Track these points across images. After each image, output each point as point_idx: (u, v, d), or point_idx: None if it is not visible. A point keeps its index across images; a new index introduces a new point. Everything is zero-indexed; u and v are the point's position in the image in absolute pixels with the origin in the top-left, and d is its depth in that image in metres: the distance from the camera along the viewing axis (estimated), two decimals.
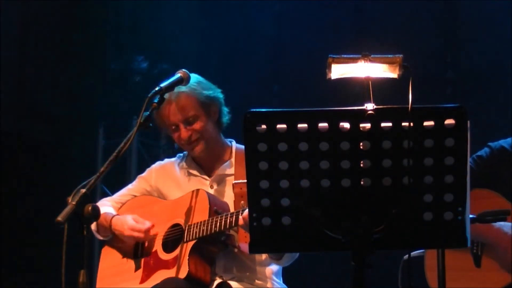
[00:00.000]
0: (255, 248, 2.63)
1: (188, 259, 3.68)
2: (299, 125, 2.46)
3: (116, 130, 6.19)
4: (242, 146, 3.97)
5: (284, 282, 3.98)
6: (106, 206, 4.05)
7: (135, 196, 4.12)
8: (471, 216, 2.58)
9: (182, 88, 3.86)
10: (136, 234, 3.84)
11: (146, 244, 3.93)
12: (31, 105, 6.40)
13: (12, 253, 6.15)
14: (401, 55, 2.64)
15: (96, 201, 3.98)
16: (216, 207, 3.73)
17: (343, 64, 2.64)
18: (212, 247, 3.76)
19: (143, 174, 4.19)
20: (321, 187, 2.50)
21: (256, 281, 3.85)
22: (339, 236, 2.53)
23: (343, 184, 2.49)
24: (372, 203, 2.51)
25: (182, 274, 3.67)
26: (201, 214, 3.74)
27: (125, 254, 4.00)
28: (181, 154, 4.13)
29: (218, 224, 3.65)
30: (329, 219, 2.53)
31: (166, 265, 3.78)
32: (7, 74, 6.19)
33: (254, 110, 2.52)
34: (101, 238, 4.07)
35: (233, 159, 3.98)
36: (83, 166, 6.22)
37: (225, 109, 4.02)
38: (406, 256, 3.56)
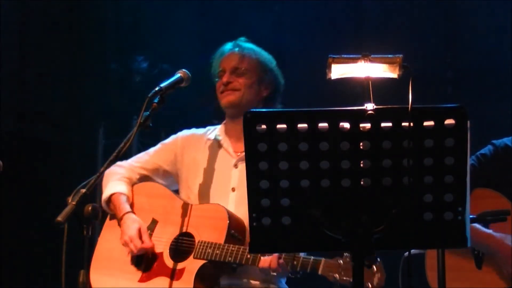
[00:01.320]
0: (255, 248, 2.63)
1: (195, 279, 3.63)
2: (299, 125, 2.46)
3: (116, 130, 6.18)
4: None
5: (284, 282, 3.97)
6: (119, 180, 3.94)
7: (158, 165, 4.00)
8: (471, 216, 2.58)
9: (251, 45, 3.92)
10: (131, 246, 3.76)
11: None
12: (31, 105, 6.40)
13: (12, 253, 6.14)
14: (401, 55, 2.64)
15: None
16: (233, 230, 3.66)
17: (343, 64, 2.64)
18: (221, 271, 3.70)
19: (166, 141, 4.08)
20: (321, 187, 2.50)
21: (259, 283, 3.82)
22: (339, 236, 2.53)
23: (343, 184, 2.49)
24: (372, 203, 2.51)
25: None
26: (216, 235, 3.67)
27: None
28: (211, 127, 4.05)
29: (234, 255, 3.59)
30: (329, 219, 2.53)
31: (170, 274, 3.71)
32: (7, 74, 6.19)
33: (254, 110, 2.52)
34: (107, 211, 3.98)
35: None
36: (83, 166, 6.21)
37: (279, 100, 3.97)
38: (406, 254, 3.56)
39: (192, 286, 3.61)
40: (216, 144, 3.96)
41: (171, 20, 6.25)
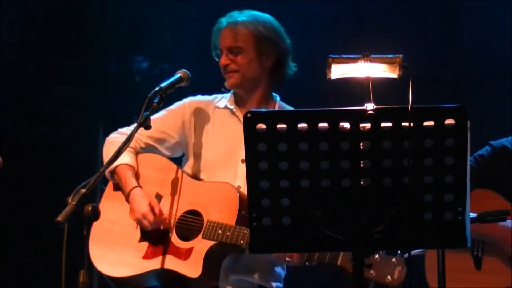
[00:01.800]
0: (255, 248, 2.64)
1: (204, 260, 3.56)
2: (299, 125, 2.46)
3: (116, 130, 6.17)
4: (285, 104, 3.90)
5: (284, 282, 3.96)
6: (128, 152, 3.78)
7: (165, 133, 3.87)
8: (471, 216, 2.58)
9: (244, 17, 3.81)
10: (145, 223, 3.65)
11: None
12: (31, 105, 6.40)
13: (12, 253, 6.14)
14: (401, 55, 2.64)
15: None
16: (244, 211, 3.58)
17: (343, 64, 2.65)
18: (229, 251, 3.64)
19: (173, 107, 3.93)
20: (321, 187, 2.50)
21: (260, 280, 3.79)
22: (339, 236, 2.53)
23: (343, 184, 2.49)
24: (372, 203, 2.51)
25: (194, 274, 3.56)
26: (227, 216, 3.59)
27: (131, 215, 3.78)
28: (218, 95, 3.95)
29: (246, 239, 3.52)
30: (329, 219, 2.53)
31: (177, 253, 3.62)
32: (7, 74, 6.18)
33: (254, 110, 2.53)
34: (110, 180, 3.88)
35: None
36: (83, 166, 6.21)
37: (291, 63, 3.89)
38: (406, 255, 3.56)
39: (201, 267, 3.54)
40: (228, 113, 3.87)
41: (171, 20, 6.24)
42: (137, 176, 3.82)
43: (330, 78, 2.67)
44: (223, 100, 3.91)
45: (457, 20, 6.00)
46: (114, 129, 6.51)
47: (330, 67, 2.65)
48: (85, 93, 6.39)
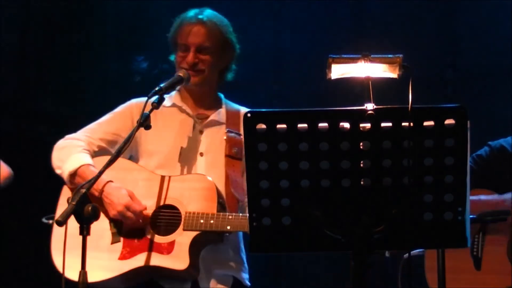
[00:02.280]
0: (255, 248, 2.64)
1: (189, 251, 3.54)
2: (299, 125, 2.47)
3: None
4: (231, 102, 3.97)
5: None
6: (84, 152, 3.74)
7: (117, 135, 3.81)
8: (471, 216, 2.58)
9: (213, 17, 3.82)
10: (129, 214, 3.59)
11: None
12: (31, 105, 6.40)
13: (12, 253, 6.14)
14: (401, 55, 2.64)
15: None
16: (221, 199, 3.62)
17: (343, 64, 2.65)
18: (210, 240, 3.64)
19: (118, 110, 3.90)
20: (321, 187, 2.50)
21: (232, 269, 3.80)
22: (339, 236, 2.53)
23: (343, 184, 2.49)
24: (372, 203, 2.51)
25: (181, 266, 3.54)
26: (207, 205, 3.59)
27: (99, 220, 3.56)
28: (162, 95, 3.77)
29: (233, 223, 3.52)
30: (329, 219, 2.53)
31: (159, 248, 3.58)
32: (7, 74, 6.18)
33: (254, 110, 2.52)
34: (68, 184, 3.78)
35: (223, 109, 3.90)
36: None
37: (233, 66, 3.93)
38: (406, 255, 3.56)
39: (188, 257, 3.52)
40: (176, 111, 3.86)
41: (171, 20, 6.24)
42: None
43: (330, 78, 2.67)
44: (168, 98, 3.86)
45: (457, 20, 6.00)
46: None
47: (330, 67, 2.65)
48: (85, 93, 6.40)
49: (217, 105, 3.93)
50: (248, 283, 3.86)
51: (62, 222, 3.08)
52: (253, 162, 2.51)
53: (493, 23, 5.77)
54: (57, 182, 5.70)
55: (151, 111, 3.58)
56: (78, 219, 3.12)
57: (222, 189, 3.70)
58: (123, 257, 3.63)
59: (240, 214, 3.57)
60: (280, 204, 2.53)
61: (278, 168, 2.50)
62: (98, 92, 6.40)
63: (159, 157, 3.80)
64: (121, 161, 3.57)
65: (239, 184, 3.73)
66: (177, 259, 3.56)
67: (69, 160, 3.76)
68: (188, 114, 3.87)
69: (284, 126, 2.47)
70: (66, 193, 3.79)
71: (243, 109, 3.93)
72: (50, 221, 3.80)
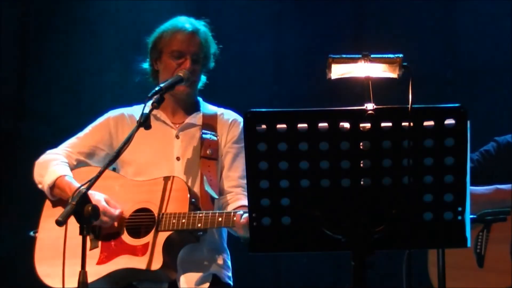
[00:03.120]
0: (255, 248, 2.64)
1: (163, 250, 3.58)
2: (299, 125, 2.47)
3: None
4: (207, 104, 4.02)
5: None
6: (61, 164, 3.84)
7: (94, 147, 3.90)
8: (471, 216, 2.58)
9: (205, 27, 3.93)
10: (105, 219, 3.64)
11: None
12: (31, 105, 6.40)
13: (11, 253, 6.14)
14: (401, 55, 2.64)
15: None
16: (194, 199, 3.67)
17: (343, 64, 2.65)
18: (185, 241, 3.68)
19: (96, 123, 3.99)
20: (321, 187, 2.50)
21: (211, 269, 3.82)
22: (339, 236, 2.53)
23: (343, 184, 2.49)
24: (372, 203, 2.51)
25: (155, 266, 3.57)
26: (179, 205, 3.64)
27: (75, 228, 3.51)
28: (138, 105, 3.92)
29: (203, 221, 3.58)
30: (329, 219, 2.53)
31: (133, 251, 3.63)
32: (7, 74, 6.18)
33: (254, 110, 2.52)
34: (49, 197, 3.86)
35: (200, 113, 3.94)
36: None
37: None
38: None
39: (162, 258, 3.57)
40: (152, 118, 3.81)
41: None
42: None
43: (330, 78, 2.67)
44: (146, 107, 3.81)
45: (457, 20, 5.99)
46: None
47: (330, 67, 2.65)
48: (85, 93, 6.39)
49: (194, 109, 3.98)
50: (229, 281, 3.87)
51: (62, 222, 3.08)
52: (253, 162, 2.51)
53: (492, 23, 5.77)
54: None
55: (151, 111, 3.59)
56: (78, 219, 3.12)
57: (197, 189, 3.77)
58: (101, 261, 3.68)
59: (210, 212, 3.61)
60: (280, 204, 2.53)
61: (278, 168, 2.50)
62: (98, 92, 6.40)
63: (135, 166, 3.87)
64: (96, 170, 3.59)
65: (214, 183, 3.79)
66: (150, 260, 3.60)
67: (47, 174, 3.85)
68: (163, 121, 3.92)
69: (284, 126, 2.47)
70: (48, 206, 3.89)
71: (220, 111, 4.00)
72: (36, 234, 3.86)
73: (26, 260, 3.96)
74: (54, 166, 3.85)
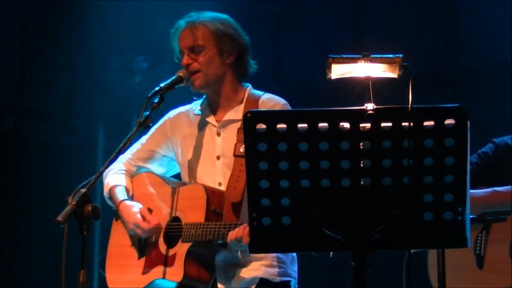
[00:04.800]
0: (255, 248, 2.64)
1: (185, 263, 3.59)
2: (299, 125, 2.46)
3: (116, 130, 6.18)
4: (258, 92, 3.89)
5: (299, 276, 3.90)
6: (118, 174, 3.91)
7: (152, 151, 3.94)
8: (471, 216, 2.58)
9: (202, 17, 3.81)
10: (138, 231, 3.73)
11: None
12: (31, 105, 6.41)
13: (12, 253, 6.15)
14: (401, 55, 2.64)
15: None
16: (214, 207, 3.62)
17: (343, 64, 2.64)
18: (208, 251, 3.65)
19: (157, 125, 3.99)
20: (321, 187, 2.50)
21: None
22: (339, 236, 2.53)
23: (343, 184, 2.49)
24: (372, 203, 2.51)
25: (177, 278, 3.60)
26: (197, 215, 3.64)
27: (131, 236, 3.86)
28: (198, 101, 3.95)
29: (212, 232, 3.55)
30: (329, 219, 2.53)
31: (166, 261, 3.68)
32: (7, 74, 6.19)
33: (254, 110, 2.52)
34: (111, 204, 3.96)
35: (242, 105, 3.83)
36: (83, 166, 6.22)
37: (250, 60, 3.87)
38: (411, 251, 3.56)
39: (182, 271, 3.57)
40: (198, 119, 3.88)
41: (171, 20, 6.24)
42: (133, 197, 3.91)
43: (330, 78, 2.67)
44: (198, 105, 3.92)
45: (457, 20, 6.00)
46: (114, 129, 6.52)
47: (330, 67, 2.65)
48: (85, 93, 6.40)
49: (236, 102, 3.86)
50: (283, 278, 3.73)
51: (62, 222, 3.08)
52: (253, 162, 2.51)
53: (493, 23, 5.78)
54: (57, 182, 5.72)
55: (151, 111, 3.59)
56: (78, 219, 3.12)
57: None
58: (144, 271, 3.76)
59: (219, 223, 3.57)
60: (280, 204, 2.53)
61: (278, 168, 2.50)
62: (98, 92, 6.40)
63: (186, 168, 3.86)
64: (149, 176, 3.86)
65: (240, 185, 3.69)
66: (174, 271, 3.63)
67: (104, 185, 3.94)
68: (207, 119, 3.86)
69: (284, 126, 2.47)
70: (117, 215, 3.95)
71: (264, 97, 3.86)
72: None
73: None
74: (109, 177, 3.93)
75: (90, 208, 3.13)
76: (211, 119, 3.86)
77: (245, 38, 3.88)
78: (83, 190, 3.17)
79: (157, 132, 3.96)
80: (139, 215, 3.75)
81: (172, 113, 3.98)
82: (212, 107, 3.88)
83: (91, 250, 6.11)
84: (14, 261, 6.16)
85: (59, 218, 3.10)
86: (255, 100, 3.84)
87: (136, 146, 3.99)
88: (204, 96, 3.93)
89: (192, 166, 3.84)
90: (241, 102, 3.85)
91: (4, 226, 6.08)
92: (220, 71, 3.81)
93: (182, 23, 3.87)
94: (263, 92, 3.90)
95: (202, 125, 3.86)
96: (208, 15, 3.87)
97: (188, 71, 3.77)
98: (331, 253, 3.16)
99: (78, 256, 3.08)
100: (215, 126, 3.84)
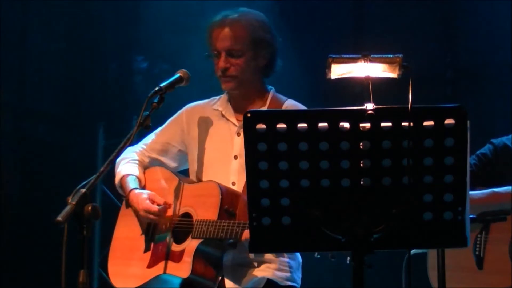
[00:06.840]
0: (255, 248, 2.64)
1: (193, 259, 3.58)
2: (299, 125, 2.46)
3: (116, 130, 6.19)
4: (281, 96, 3.88)
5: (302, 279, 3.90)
6: (131, 163, 3.89)
7: (167, 144, 3.92)
8: (471, 216, 2.59)
9: (242, 17, 3.75)
10: (151, 216, 3.70)
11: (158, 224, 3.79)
12: (31, 105, 6.41)
13: (12, 253, 6.15)
14: (401, 55, 2.64)
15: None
16: (227, 206, 3.60)
17: (343, 64, 2.64)
18: (217, 250, 3.65)
19: (173, 117, 3.98)
20: (321, 187, 2.50)
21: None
22: (339, 236, 2.53)
23: (343, 184, 2.49)
24: (372, 203, 2.51)
25: (184, 274, 3.58)
26: (210, 212, 3.61)
27: (138, 228, 3.85)
28: (215, 97, 3.93)
29: (224, 231, 3.53)
30: (329, 219, 2.53)
31: (173, 256, 3.67)
32: (7, 74, 6.19)
33: (254, 110, 2.53)
34: (121, 193, 3.94)
35: (265, 107, 3.81)
36: (83, 166, 6.22)
37: (279, 61, 3.85)
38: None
39: (190, 267, 3.56)
40: (218, 115, 3.86)
41: (171, 20, 6.25)
42: (144, 189, 3.87)
43: (330, 78, 2.67)
44: (218, 101, 3.91)
45: (457, 20, 6.00)
46: (114, 129, 6.51)
47: (330, 67, 2.65)
48: (85, 93, 6.40)
49: (259, 103, 3.84)
50: (290, 283, 3.73)
51: (62, 222, 3.07)
52: (253, 162, 2.51)
53: (492, 23, 5.78)
54: (57, 181, 5.71)
55: (151, 111, 3.58)
56: (78, 219, 3.12)
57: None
58: (149, 265, 3.75)
59: (232, 222, 3.55)
60: (280, 204, 2.53)
61: (278, 168, 2.50)
62: (98, 92, 6.40)
63: (196, 164, 3.85)
64: (162, 171, 3.85)
65: None
66: (182, 267, 3.61)
67: (116, 174, 3.90)
68: (227, 118, 3.84)
69: (284, 126, 2.47)
70: (123, 204, 3.96)
71: (288, 103, 3.85)
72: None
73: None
74: (121, 166, 3.89)
75: (90, 208, 3.13)
76: (232, 118, 3.83)
77: (279, 40, 3.87)
78: (83, 190, 3.16)
79: (173, 125, 3.95)
80: (148, 201, 3.72)
81: (189, 106, 3.96)
82: (234, 106, 3.86)
83: (91, 250, 6.11)
84: (14, 261, 6.16)
85: (59, 218, 3.09)
86: (278, 104, 3.83)
87: (150, 137, 3.97)
88: (225, 93, 3.90)
89: (206, 162, 3.82)
90: (264, 104, 3.84)
91: (4, 226, 6.08)
92: (252, 76, 3.80)
93: (221, 21, 3.80)
94: (286, 98, 3.88)
95: (221, 123, 3.85)
96: (246, 14, 3.82)
97: (224, 75, 3.75)
98: (330, 253, 3.17)
99: (78, 256, 3.09)
100: (235, 125, 3.82)
